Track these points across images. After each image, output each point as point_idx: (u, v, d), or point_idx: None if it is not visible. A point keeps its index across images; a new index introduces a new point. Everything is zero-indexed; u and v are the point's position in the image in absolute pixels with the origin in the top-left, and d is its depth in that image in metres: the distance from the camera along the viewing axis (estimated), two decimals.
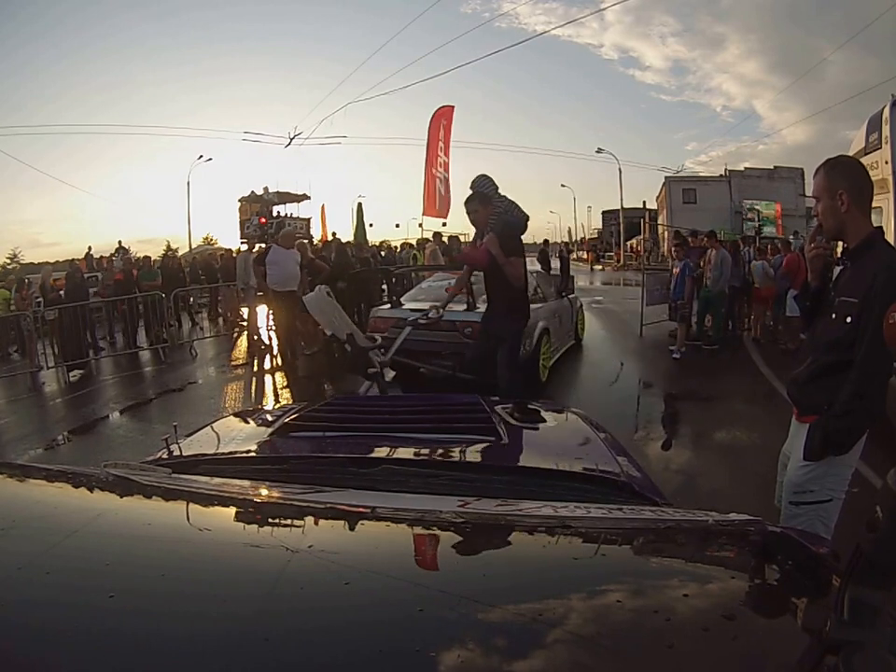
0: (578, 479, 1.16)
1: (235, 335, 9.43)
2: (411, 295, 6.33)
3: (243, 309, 9.08)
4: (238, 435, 1.56)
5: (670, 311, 7.59)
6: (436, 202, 13.94)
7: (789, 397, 1.86)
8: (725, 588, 0.61)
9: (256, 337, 8.06)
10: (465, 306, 5.37)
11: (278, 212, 21.32)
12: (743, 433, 4.14)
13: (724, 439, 4.29)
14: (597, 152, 31.66)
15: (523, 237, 3.95)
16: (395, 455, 1.27)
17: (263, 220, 19.23)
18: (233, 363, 7.70)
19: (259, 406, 5.31)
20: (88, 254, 13.36)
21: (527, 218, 4.03)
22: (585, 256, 36.75)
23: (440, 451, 1.28)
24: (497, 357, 3.83)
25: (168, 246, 25.83)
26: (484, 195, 3.83)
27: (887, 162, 4.57)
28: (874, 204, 1.83)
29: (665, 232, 22.98)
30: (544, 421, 1.68)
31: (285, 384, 6.43)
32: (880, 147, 4.70)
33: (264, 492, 0.94)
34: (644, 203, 36.70)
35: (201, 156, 26.16)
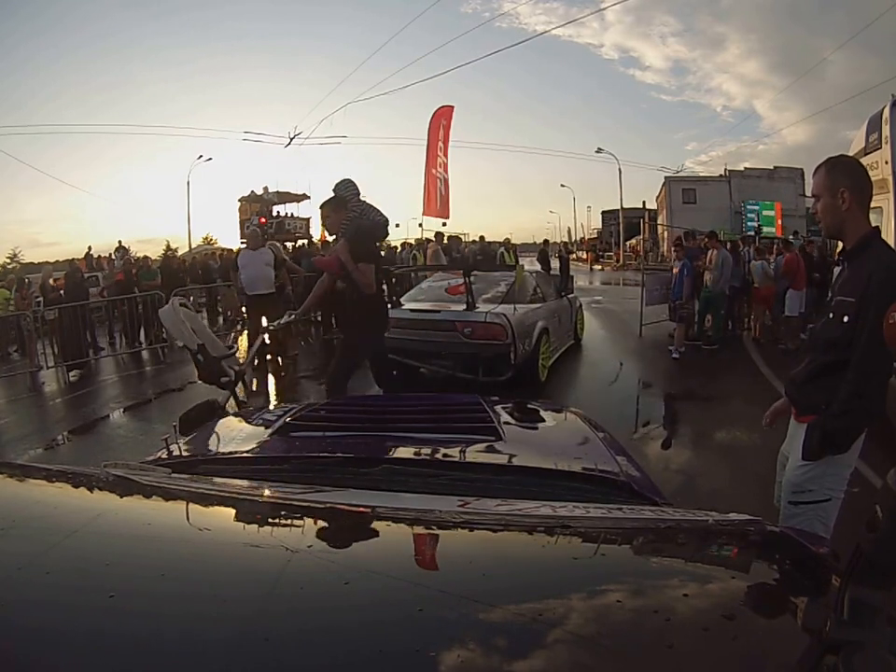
0: (577, 478, 1.16)
1: (234, 335, 9.42)
2: (411, 295, 6.33)
3: (243, 308, 9.07)
4: (238, 435, 1.56)
5: (670, 311, 7.59)
6: (436, 202, 13.95)
7: (787, 397, 1.86)
8: (725, 588, 0.61)
9: (260, 336, 8.06)
10: (465, 306, 5.37)
11: (278, 212, 21.33)
12: (743, 433, 4.14)
13: (724, 439, 4.30)
14: (597, 152, 31.66)
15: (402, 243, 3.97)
16: (395, 455, 1.28)
17: (263, 220, 19.21)
18: (232, 364, 7.68)
19: (260, 406, 5.31)
20: (88, 254, 13.37)
21: (385, 223, 4.00)
22: (585, 256, 36.76)
23: (440, 451, 1.29)
24: (335, 359, 3.82)
25: (168, 246, 25.82)
26: (339, 200, 3.78)
27: (887, 162, 4.57)
28: (874, 204, 1.84)
29: (665, 232, 23.00)
30: (543, 421, 1.68)
31: (285, 383, 6.43)
32: (880, 147, 4.69)
33: (264, 492, 0.94)
34: (644, 203, 36.72)
35: (201, 156, 26.12)
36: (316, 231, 20.61)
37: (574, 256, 29.01)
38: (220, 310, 11.88)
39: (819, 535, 1.40)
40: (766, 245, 9.57)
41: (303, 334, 9.42)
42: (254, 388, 3.91)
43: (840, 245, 1.79)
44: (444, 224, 14.34)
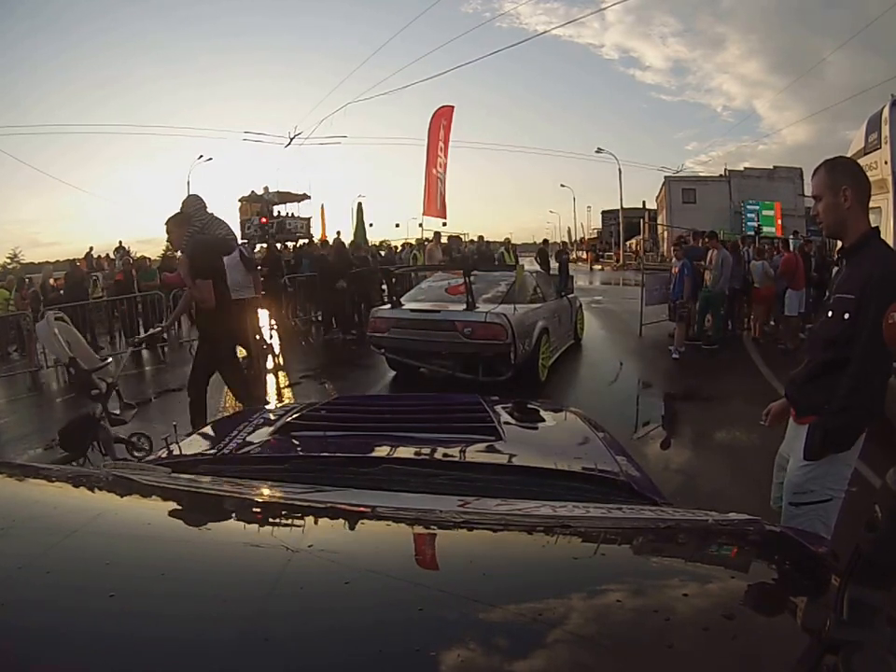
0: (577, 478, 1.16)
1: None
2: (411, 295, 6.33)
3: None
4: (239, 434, 1.56)
5: (670, 311, 7.59)
6: (436, 202, 13.95)
7: (787, 398, 1.85)
8: (725, 588, 0.61)
9: (257, 336, 8.06)
10: (465, 306, 5.37)
11: (278, 212, 21.28)
12: (742, 433, 4.14)
13: (724, 439, 4.30)
14: (597, 152, 31.62)
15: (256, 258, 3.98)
16: (395, 455, 1.28)
17: (264, 220, 19.20)
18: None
19: (260, 406, 5.31)
20: (88, 254, 13.35)
21: (227, 238, 4.00)
22: (585, 256, 36.75)
23: (440, 450, 1.29)
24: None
25: (168, 246, 25.78)
26: (182, 215, 3.80)
27: (886, 162, 4.56)
28: (873, 204, 1.84)
29: (665, 232, 22.99)
30: (543, 421, 1.69)
31: (286, 383, 6.43)
32: (880, 147, 4.69)
33: (264, 491, 0.94)
34: (644, 203, 36.78)
35: (201, 156, 26.10)
36: (317, 230, 20.66)
37: (574, 256, 29.00)
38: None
39: (818, 535, 1.40)
40: (767, 245, 9.57)
41: (304, 334, 9.43)
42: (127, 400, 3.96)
43: (839, 244, 1.79)
44: (444, 224, 14.36)
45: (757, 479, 2.12)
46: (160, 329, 4.54)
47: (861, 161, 4.75)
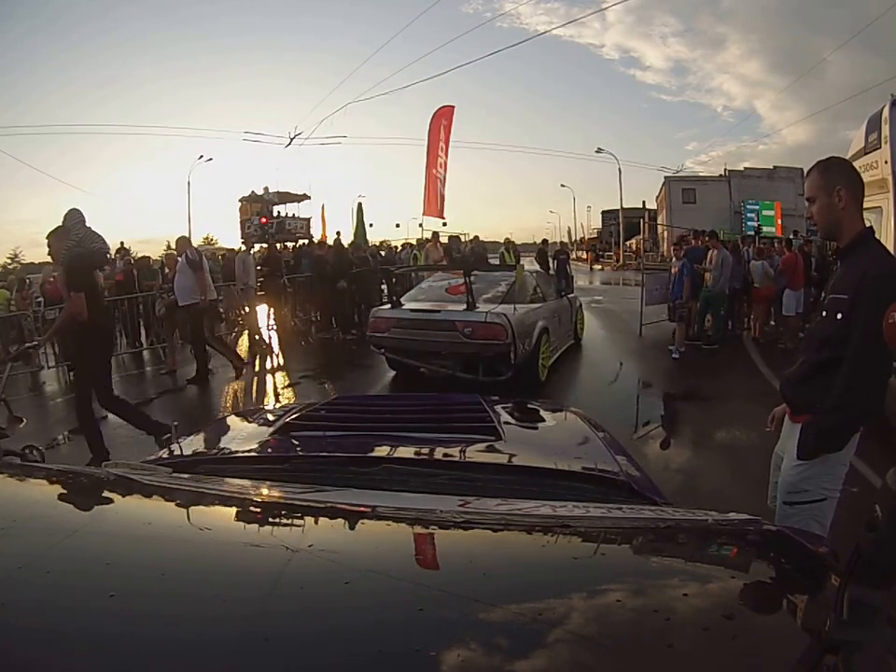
0: (577, 478, 1.16)
1: (235, 334, 9.43)
2: (411, 295, 6.33)
3: (245, 309, 9.07)
4: (239, 434, 1.56)
5: (669, 311, 7.58)
6: (436, 202, 13.93)
7: (781, 396, 1.86)
8: (725, 588, 0.61)
9: (256, 336, 8.06)
10: (465, 306, 5.37)
11: (278, 212, 21.29)
12: (742, 433, 4.14)
13: (724, 438, 4.30)
14: (597, 152, 31.62)
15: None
16: (395, 455, 1.28)
17: (264, 220, 19.19)
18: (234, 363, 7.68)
19: (260, 406, 5.31)
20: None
21: (101, 252, 4.03)
22: (585, 256, 36.75)
23: (440, 450, 1.29)
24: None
25: (168, 246, 25.77)
26: (62, 229, 3.84)
27: (886, 162, 4.55)
28: (874, 204, 1.84)
29: (665, 232, 22.98)
30: (543, 420, 1.69)
31: (286, 383, 6.43)
32: (880, 147, 4.68)
33: (265, 491, 0.94)
34: (644, 202, 36.78)
35: (201, 156, 26.15)
36: (317, 231, 20.66)
37: (574, 256, 28.96)
38: (221, 310, 11.87)
39: (818, 534, 1.40)
40: (767, 246, 9.57)
41: (304, 334, 9.43)
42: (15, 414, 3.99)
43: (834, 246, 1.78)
44: (444, 224, 14.35)
45: (757, 479, 2.12)
46: (36, 343, 4.52)
47: (862, 161, 4.75)
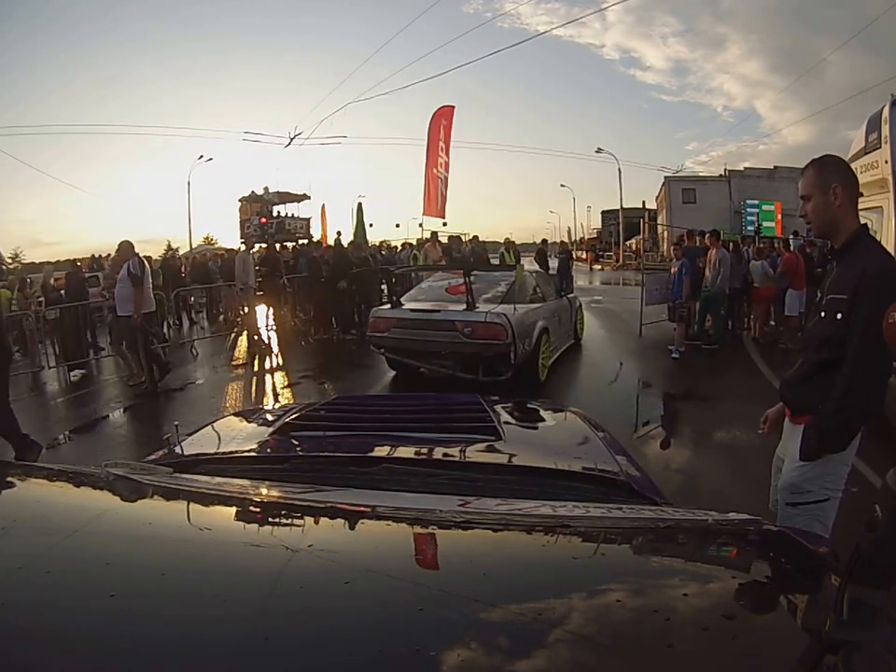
0: (577, 478, 1.16)
1: (235, 335, 9.44)
2: (411, 295, 6.33)
3: (245, 309, 9.07)
4: (239, 434, 1.56)
5: (669, 311, 7.58)
6: (436, 202, 13.93)
7: (781, 398, 1.85)
8: (725, 588, 0.61)
9: (255, 337, 8.07)
10: (465, 306, 5.37)
11: (278, 212, 21.30)
12: (742, 433, 4.13)
13: (724, 438, 4.30)
14: (597, 152, 31.62)
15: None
16: (395, 455, 1.28)
17: (264, 220, 19.20)
18: (234, 363, 7.70)
19: (260, 406, 5.31)
20: (93, 255, 13.35)
21: None
22: (584, 256, 36.76)
23: (440, 450, 1.29)
24: None
25: (168, 246, 25.82)
26: None
27: (886, 162, 4.54)
28: (874, 204, 1.84)
29: (665, 232, 22.98)
30: (543, 420, 1.68)
31: (285, 383, 6.44)
32: (880, 147, 4.67)
33: (264, 491, 0.94)
34: (644, 202, 36.79)
35: (201, 156, 26.15)
36: (317, 231, 20.66)
37: (574, 256, 28.97)
38: (221, 310, 11.89)
39: (818, 534, 1.40)
40: (767, 245, 9.56)
41: (303, 334, 9.43)
42: None
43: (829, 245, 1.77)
44: (444, 224, 14.34)
45: (757, 479, 2.12)
46: None
47: (861, 161, 4.74)
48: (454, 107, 14.89)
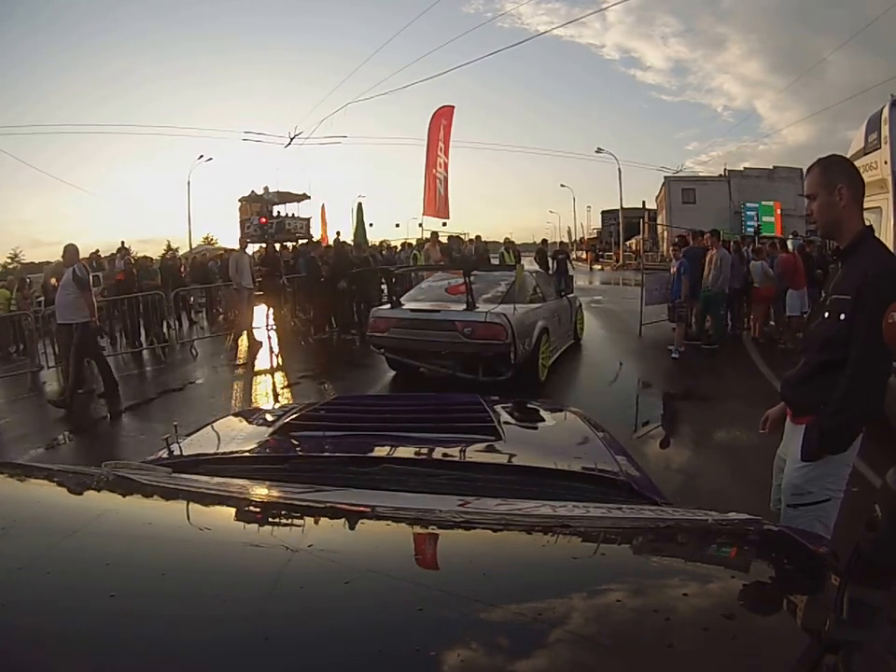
0: (577, 478, 1.16)
1: (234, 335, 9.44)
2: (411, 295, 6.33)
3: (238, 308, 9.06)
4: (239, 434, 1.56)
5: (669, 311, 7.58)
6: (436, 202, 13.95)
7: (782, 398, 1.84)
8: (725, 588, 0.61)
9: (249, 338, 8.07)
10: (464, 306, 5.37)
11: (278, 212, 21.30)
12: (742, 433, 4.13)
13: (724, 438, 4.30)
14: (597, 152, 31.61)
15: None
16: (395, 455, 1.28)
17: (264, 220, 19.20)
18: (234, 363, 7.70)
19: (260, 406, 5.31)
20: (92, 255, 13.31)
21: None
22: (584, 256, 36.76)
23: (440, 450, 1.29)
24: None
25: (168, 246, 25.79)
26: None
27: (886, 162, 4.54)
28: (874, 204, 1.84)
29: (665, 232, 22.99)
30: (543, 420, 1.68)
31: (285, 383, 6.44)
32: (879, 147, 4.67)
33: (264, 491, 0.94)
34: (644, 202, 36.77)
35: (201, 156, 26.15)
36: (317, 230, 20.66)
37: (574, 256, 28.96)
38: (221, 310, 11.89)
39: (818, 534, 1.40)
40: (765, 245, 9.56)
41: (303, 334, 9.43)
42: None
43: (833, 244, 1.77)
44: (444, 224, 14.35)
45: (757, 479, 2.12)
46: None
47: (861, 161, 4.74)
48: (453, 107, 14.91)
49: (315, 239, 17.46)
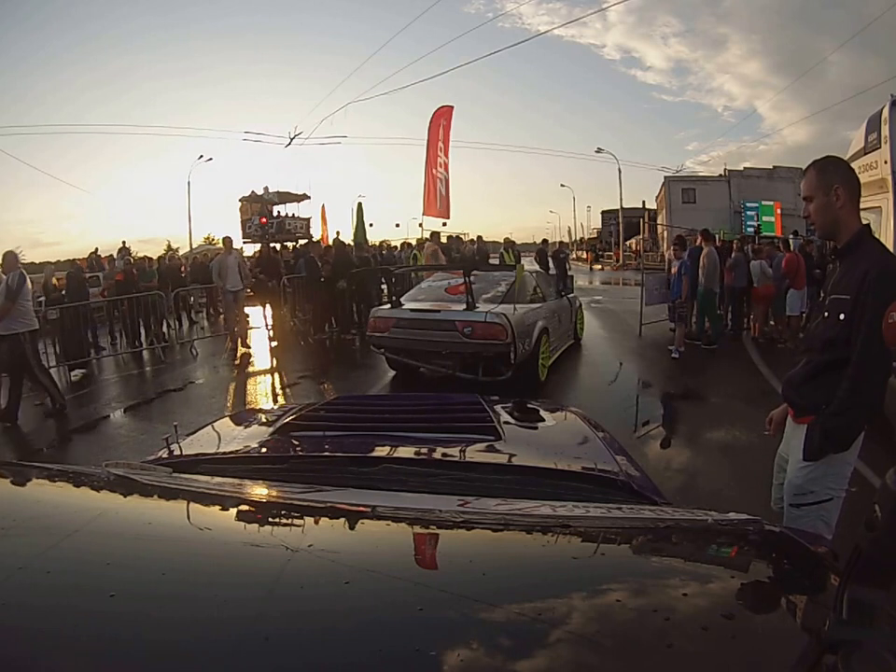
0: (577, 478, 1.16)
1: (231, 337, 9.43)
2: (411, 295, 6.33)
3: (245, 309, 9.05)
4: (238, 434, 1.56)
5: (669, 311, 7.58)
6: (436, 202, 13.93)
7: (784, 398, 1.85)
8: (725, 587, 0.61)
9: (239, 339, 8.08)
10: (465, 306, 5.37)
11: (279, 212, 21.32)
12: (742, 433, 4.14)
13: (724, 438, 4.30)
14: (597, 152, 31.60)
15: None
16: (395, 455, 1.28)
17: (264, 220, 19.22)
18: (234, 363, 7.70)
19: (260, 406, 5.31)
20: (91, 254, 13.31)
21: None
22: (584, 256, 36.77)
23: (439, 450, 1.29)
24: None
25: (168, 246, 25.81)
26: None
27: (886, 162, 4.55)
28: (874, 204, 1.84)
29: (665, 232, 22.98)
30: (543, 420, 1.68)
31: (285, 383, 6.44)
32: (879, 147, 4.68)
33: (264, 491, 0.94)
34: (644, 202, 36.79)
35: (201, 156, 26.13)
36: (317, 230, 20.68)
37: (574, 255, 28.96)
38: (221, 310, 11.88)
39: (818, 534, 1.40)
40: (765, 245, 9.55)
41: (303, 334, 9.42)
42: None
43: (831, 245, 1.77)
44: (444, 224, 14.34)
45: (757, 479, 2.12)
46: None
47: (861, 161, 4.74)
48: (452, 107, 14.88)
49: (315, 239, 17.48)
